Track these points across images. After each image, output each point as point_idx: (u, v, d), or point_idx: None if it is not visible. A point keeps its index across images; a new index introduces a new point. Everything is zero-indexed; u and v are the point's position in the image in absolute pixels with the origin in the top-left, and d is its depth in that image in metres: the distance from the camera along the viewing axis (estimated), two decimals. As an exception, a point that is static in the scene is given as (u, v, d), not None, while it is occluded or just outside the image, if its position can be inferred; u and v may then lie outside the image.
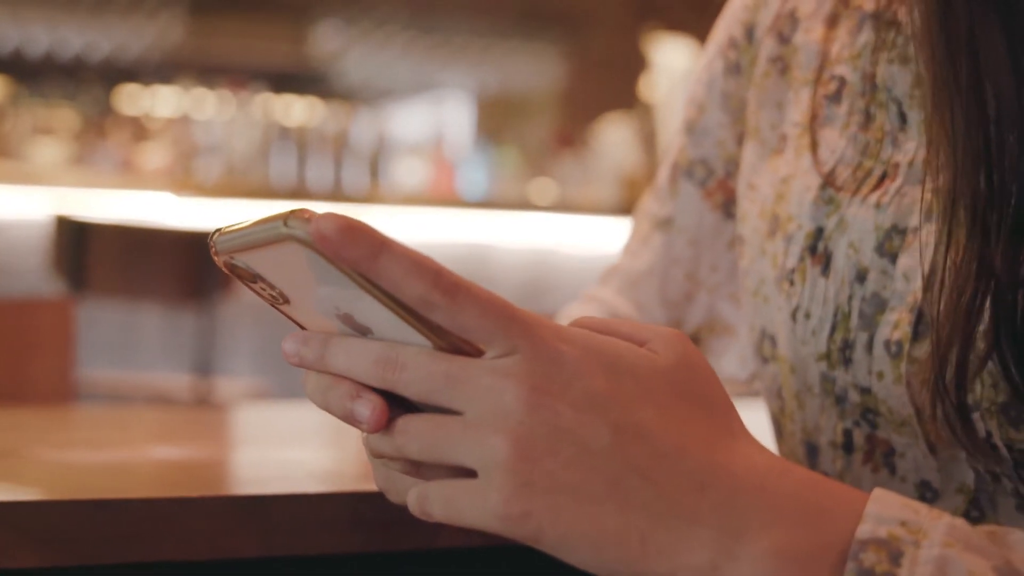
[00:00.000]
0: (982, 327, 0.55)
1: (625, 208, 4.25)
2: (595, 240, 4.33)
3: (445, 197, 4.65)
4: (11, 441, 0.91)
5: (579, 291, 0.88)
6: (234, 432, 1.14)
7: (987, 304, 0.55)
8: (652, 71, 4.40)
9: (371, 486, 0.58)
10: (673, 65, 4.24)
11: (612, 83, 5.50)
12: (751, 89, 0.75)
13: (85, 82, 6.05)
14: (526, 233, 4.37)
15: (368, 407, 0.48)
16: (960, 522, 0.47)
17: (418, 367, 0.47)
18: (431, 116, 6.82)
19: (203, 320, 3.21)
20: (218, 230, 0.49)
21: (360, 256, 0.45)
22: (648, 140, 4.48)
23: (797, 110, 0.71)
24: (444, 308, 0.46)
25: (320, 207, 4.05)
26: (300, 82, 6.61)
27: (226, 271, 0.50)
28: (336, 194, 4.37)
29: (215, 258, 0.50)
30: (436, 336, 0.47)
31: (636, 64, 4.60)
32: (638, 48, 4.56)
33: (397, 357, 0.47)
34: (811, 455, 0.67)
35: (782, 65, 0.73)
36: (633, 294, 0.83)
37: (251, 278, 0.50)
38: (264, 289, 0.51)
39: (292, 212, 0.46)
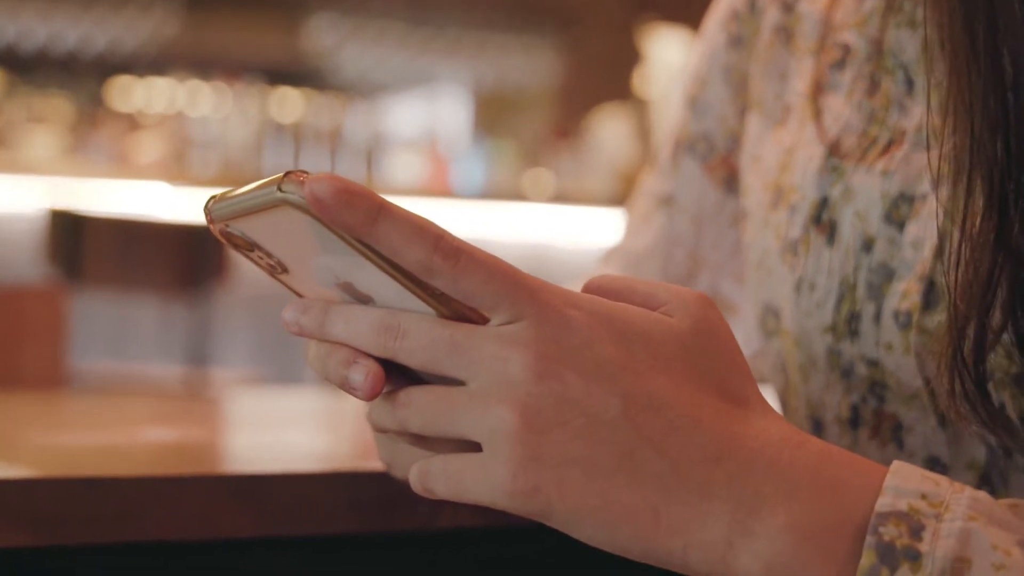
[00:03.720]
0: (999, 300, 0.53)
1: (621, 200, 4.22)
2: (591, 232, 4.33)
3: (441, 190, 4.64)
4: (1, 425, 0.90)
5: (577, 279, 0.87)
6: (227, 416, 1.13)
7: (1004, 277, 0.53)
8: (647, 64, 4.39)
9: (367, 466, 0.57)
10: (669, 58, 4.23)
11: (608, 76, 5.50)
12: (753, 61, 0.74)
13: (79, 74, 6.03)
14: (522, 226, 4.37)
15: (362, 372, 0.46)
16: (982, 495, 0.45)
17: (420, 334, 0.45)
18: (426, 110, 6.80)
19: (197, 312, 3.20)
20: (213, 197, 0.47)
21: (357, 221, 0.43)
22: (644, 133, 4.48)
23: (801, 80, 0.69)
24: (445, 273, 0.44)
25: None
26: (295, 76, 6.59)
27: (222, 240, 0.48)
28: (331, 187, 4.36)
29: (211, 227, 0.48)
30: (439, 304, 0.45)
31: (632, 57, 4.59)
32: (633, 41, 4.55)
33: (399, 324, 0.46)
34: (816, 431, 0.65)
35: (786, 35, 0.72)
36: (634, 274, 0.82)
37: (248, 247, 0.48)
38: (261, 258, 0.49)
39: (287, 174, 0.44)
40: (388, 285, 0.46)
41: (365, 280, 0.46)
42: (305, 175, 0.44)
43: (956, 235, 0.55)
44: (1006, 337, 0.54)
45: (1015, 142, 0.53)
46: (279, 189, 0.44)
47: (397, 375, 0.47)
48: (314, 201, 0.43)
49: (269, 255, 0.48)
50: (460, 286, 0.45)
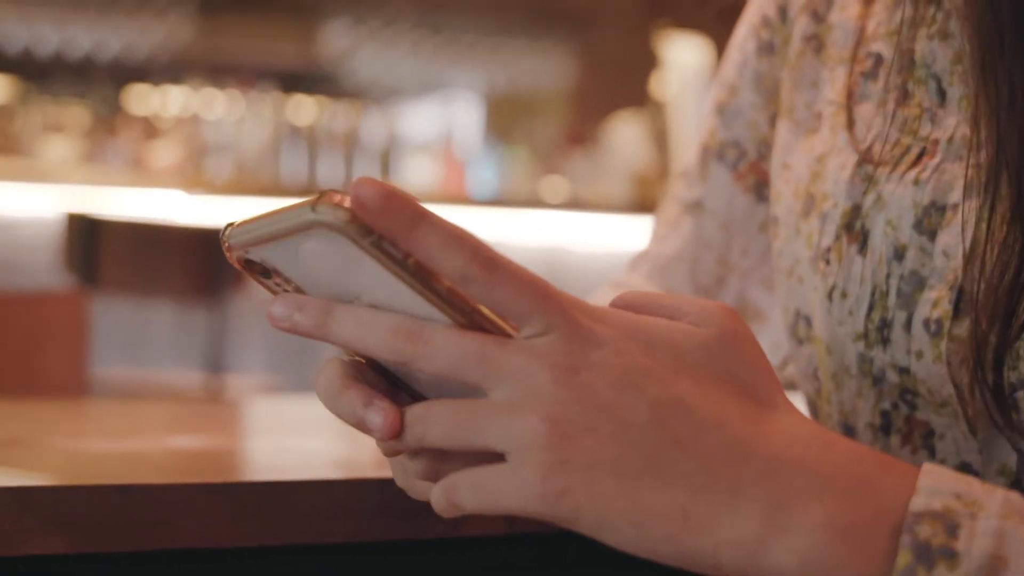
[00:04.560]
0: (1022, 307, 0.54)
1: (637, 206, 4.24)
2: (607, 238, 4.33)
3: (455, 195, 4.65)
4: (26, 431, 0.91)
5: (593, 289, 0.87)
6: (250, 423, 1.13)
7: None
8: (663, 69, 4.39)
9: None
10: (684, 63, 4.23)
11: (623, 81, 5.49)
12: (785, 69, 0.74)
13: (95, 81, 6.05)
14: (537, 231, 4.37)
15: (380, 414, 0.47)
16: (1015, 495, 0.46)
17: (448, 342, 0.45)
18: (441, 115, 6.81)
19: (215, 317, 3.20)
20: (230, 224, 0.48)
21: (398, 225, 0.44)
22: (660, 138, 4.47)
23: (832, 88, 0.70)
24: (481, 282, 0.45)
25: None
26: (309, 81, 6.60)
27: (238, 267, 0.49)
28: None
29: (227, 254, 0.48)
30: (465, 319, 0.46)
31: (647, 62, 4.59)
32: (649, 46, 4.55)
33: (422, 330, 0.46)
34: (848, 437, 0.66)
35: (817, 44, 0.72)
36: (662, 279, 0.82)
37: (265, 273, 0.49)
38: (279, 284, 0.49)
39: (320, 196, 0.44)
40: (413, 301, 0.46)
41: (390, 299, 0.46)
42: (340, 196, 0.44)
43: (982, 241, 0.55)
44: None
45: None
46: (313, 210, 0.44)
47: (392, 391, 0.48)
48: (357, 204, 0.43)
49: (287, 281, 0.49)
50: (494, 295, 0.45)
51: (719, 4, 0.82)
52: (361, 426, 0.47)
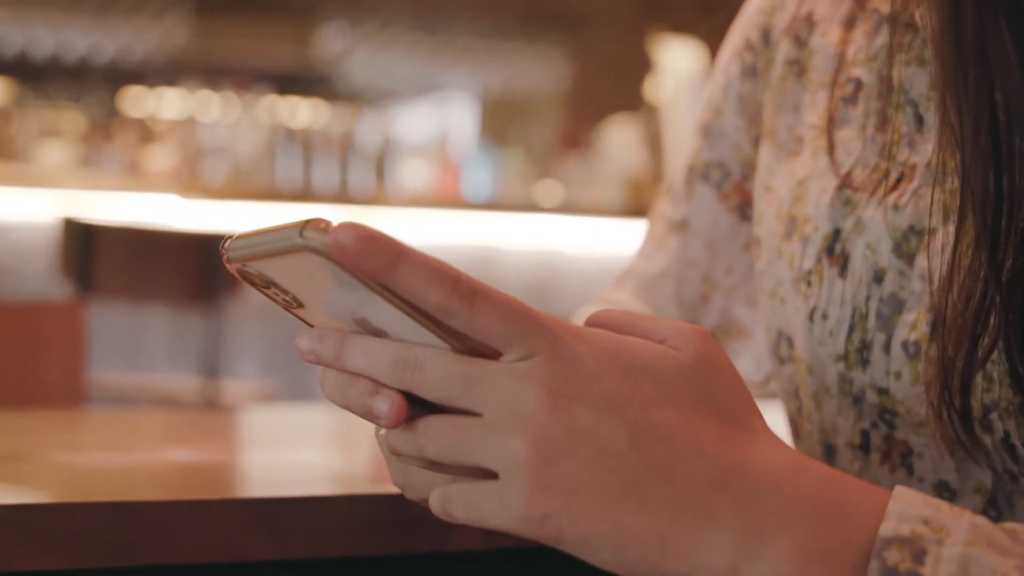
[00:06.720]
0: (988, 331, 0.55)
1: (631, 210, 4.24)
2: (601, 242, 4.33)
3: (450, 199, 4.65)
4: (23, 444, 0.91)
5: (587, 293, 0.88)
6: (245, 435, 1.14)
7: (994, 309, 0.55)
8: (657, 72, 4.40)
9: (386, 488, 0.58)
10: (679, 66, 4.24)
11: (617, 84, 5.50)
12: (767, 92, 0.76)
13: (90, 84, 6.06)
14: (531, 235, 4.37)
15: (387, 403, 0.49)
16: (982, 520, 0.47)
17: (436, 369, 0.47)
18: (436, 117, 6.82)
19: (210, 322, 3.21)
20: (229, 237, 0.49)
21: (378, 266, 0.45)
22: (654, 142, 4.48)
23: (814, 112, 0.71)
24: (462, 315, 0.46)
25: (326, 208, 4.00)
26: (305, 84, 6.61)
27: (238, 277, 0.51)
28: (341, 195, 4.38)
29: (227, 265, 0.50)
30: (454, 339, 0.47)
31: (641, 65, 4.60)
32: (643, 49, 4.56)
33: (415, 358, 0.48)
34: (828, 456, 0.67)
35: (799, 68, 0.73)
36: (648, 296, 0.83)
37: (264, 284, 0.50)
38: (277, 294, 0.51)
39: (308, 222, 0.46)
40: (404, 322, 0.47)
41: (380, 316, 0.48)
42: (325, 223, 0.45)
43: (947, 267, 0.56)
44: (1004, 368, 0.55)
45: (1007, 179, 0.55)
46: (301, 235, 0.45)
47: (415, 401, 0.49)
48: (338, 249, 0.45)
49: (285, 292, 0.50)
50: (476, 326, 0.47)
51: (713, 8, 0.83)
52: (368, 414, 0.49)
